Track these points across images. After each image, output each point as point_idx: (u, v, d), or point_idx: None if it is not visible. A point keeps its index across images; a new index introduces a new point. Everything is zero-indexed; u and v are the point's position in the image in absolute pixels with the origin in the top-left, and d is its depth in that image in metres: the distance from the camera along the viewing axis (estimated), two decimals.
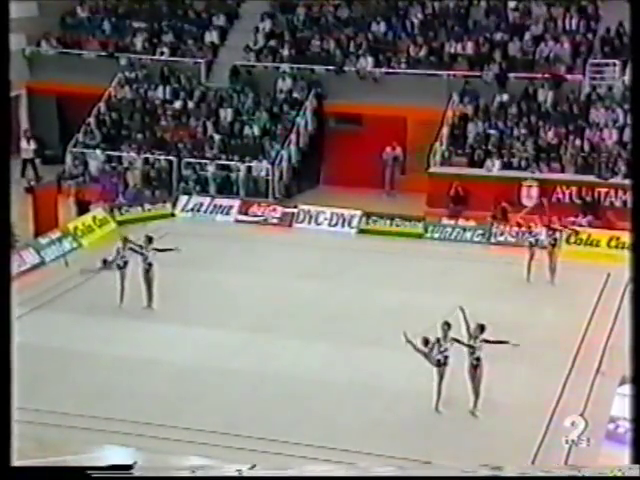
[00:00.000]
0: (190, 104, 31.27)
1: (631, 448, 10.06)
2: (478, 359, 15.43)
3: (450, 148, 28.56)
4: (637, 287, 10.07)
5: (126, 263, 20.44)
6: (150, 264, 20.32)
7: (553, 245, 22.25)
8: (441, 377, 15.70)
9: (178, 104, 31.28)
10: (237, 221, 27.29)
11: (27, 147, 30.96)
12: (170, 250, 20.44)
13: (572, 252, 23.51)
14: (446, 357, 15.63)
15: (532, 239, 22.39)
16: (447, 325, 15.81)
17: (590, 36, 29.92)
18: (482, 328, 15.58)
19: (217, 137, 30.13)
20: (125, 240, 20.80)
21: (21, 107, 33.00)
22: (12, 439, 8.81)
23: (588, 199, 26.45)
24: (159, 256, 20.32)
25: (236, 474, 10.43)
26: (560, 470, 12.62)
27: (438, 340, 15.72)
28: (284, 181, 29.61)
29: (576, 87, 28.93)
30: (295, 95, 30.81)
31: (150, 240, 20.71)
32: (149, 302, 20.38)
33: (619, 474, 9.67)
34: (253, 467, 11.06)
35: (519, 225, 24.21)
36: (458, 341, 15.56)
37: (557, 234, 22.41)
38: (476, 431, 15.05)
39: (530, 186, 26.95)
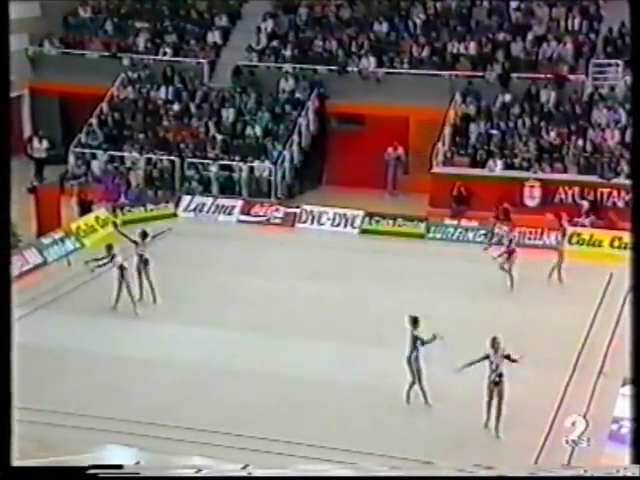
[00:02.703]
0: (192, 104, 31.27)
1: (631, 448, 10.06)
2: (501, 375, 14.95)
3: (452, 148, 28.54)
4: (637, 288, 10.07)
5: (122, 267, 20.23)
6: (146, 261, 20.41)
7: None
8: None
9: (180, 104, 31.29)
10: (239, 221, 27.29)
11: (39, 146, 30.99)
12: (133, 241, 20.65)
13: (575, 252, 23.47)
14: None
15: (506, 239, 22.24)
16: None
17: (593, 36, 29.89)
18: (494, 341, 15.05)
19: (219, 137, 30.13)
20: (109, 247, 20.60)
21: (24, 107, 33.02)
22: (13, 439, 8.81)
23: (590, 199, 26.42)
24: (161, 256, 20.30)
25: (238, 474, 10.46)
26: (562, 470, 12.62)
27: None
28: (286, 181, 29.62)
29: (579, 87, 28.90)
30: (297, 95, 30.81)
31: (145, 235, 20.74)
32: (140, 297, 20.43)
33: (619, 474, 9.67)
34: (245, 467, 11.08)
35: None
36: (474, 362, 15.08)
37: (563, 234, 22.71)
38: (477, 431, 15.02)
39: (532, 186, 26.95)
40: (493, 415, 15.18)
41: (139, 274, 20.52)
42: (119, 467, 9.36)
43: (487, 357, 14.98)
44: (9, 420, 8.72)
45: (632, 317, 10.04)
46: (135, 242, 20.67)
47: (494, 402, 15.10)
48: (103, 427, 15.17)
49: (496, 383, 15.02)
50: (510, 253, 21.76)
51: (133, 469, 9.63)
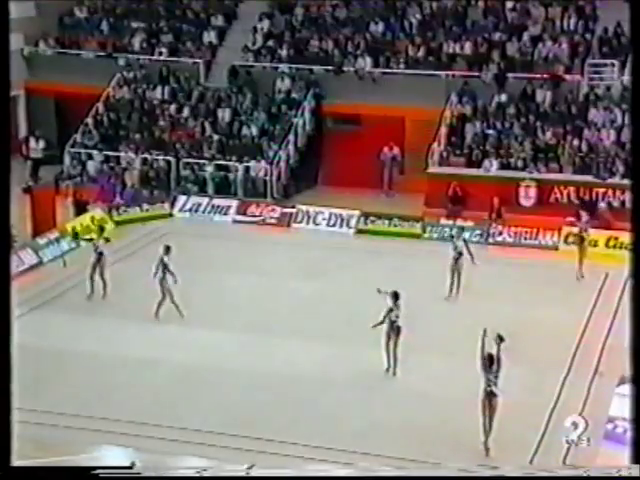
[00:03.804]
0: (188, 104, 31.25)
1: (631, 448, 10.07)
2: (494, 391, 14.55)
3: (448, 148, 28.55)
4: (637, 287, 10.08)
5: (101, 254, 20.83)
6: (101, 253, 20.76)
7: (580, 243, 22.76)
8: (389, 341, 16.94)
9: (176, 104, 31.27)
10: (235, 221, 27.28)
11: (35, 147, 30.96)
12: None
13: (570, 252, 23.50)
14: (398, 327, 16.81)
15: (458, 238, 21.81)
16: (396, 296, 16.83)
17: (588, 36, 29.92)
18: (491, 359, 14.60)
19: (215, 137, 30.12)
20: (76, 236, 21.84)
21: (19, 107, 32.97)
22: (12, 439, 8.81)
23: (586, 199, 26.46)
24: (156, 256, 20.26)
25: (236, 474, 10.46)
26: (559, 470, 12.65)
27: (391, 309, 16.76)
28: (282, 181, 29.60)
29: (574, 87, 28.94)
30: (293, 95, 30.81)
31: (102, 230, 21.30)
32: (91, 291, 20.87)
33: (619, 474, 9.69)
34: (251, 467, 11.08)
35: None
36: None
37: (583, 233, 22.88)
38: (475, 431, 15.02)
39: (528, 186, 26.98)
40: (484, 429, 14.80)
41: (94, 268, 20.79)
42: (125, 467, 9.34)
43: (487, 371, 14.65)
44: (9, 420, 8.72)
45: (632, 317, 10.05)
46: (92, 240, 21.25)
47: (486, 417, 14.71)
48: (100, 427, 15.17)
49: (488, 397, 14.65)
50: (457, 256, 21.32)
51: (134, 469, 9.62)
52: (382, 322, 16.97)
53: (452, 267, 21.28)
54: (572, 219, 23.70)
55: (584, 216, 23.41)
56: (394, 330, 16.92)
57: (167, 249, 19.92)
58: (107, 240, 21.28)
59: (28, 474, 8.94)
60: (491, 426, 14.62)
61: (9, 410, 8.76)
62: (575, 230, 23.45)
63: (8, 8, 8.85)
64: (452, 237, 22.11)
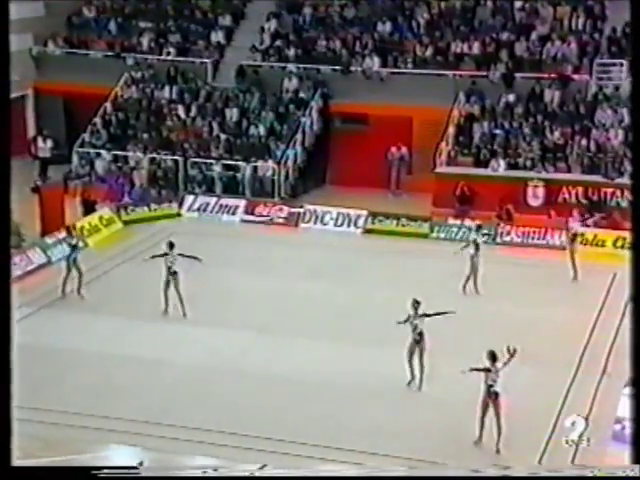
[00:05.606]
0: (196, 104, 31.29)
1: (631, 448, 10.05)
2: (497, 391, 14.58)
3: (456, 148, 28.54)
4: (638, 288, 10.05)
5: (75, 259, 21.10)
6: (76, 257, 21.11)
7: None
8: (414, 354, 16.55)
9: (184, 104, 31.30)
10: (243, 221, 27.30)
11: (43, 146, 31.03)
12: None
13: (578, 252, 23.43)
14: (420, 334, 16.47)
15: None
16: (416, 302, 16.52)
17: (597, 36, 29.89)
18: (494, 357, 14.63)
19: (223, 137, 30.15)
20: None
21: (28, 107, 33.06)
22: (14, 439, 8.82)
23: (594, 199, 26.41)
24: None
25: (245, 474, 10.47)
26: (566, 470, 12.63)
27: (408, 318, 16.54)
28: (290, 181, 29.63)
29: (583, 87, 28.91)
30: (301, 95, 30.82)
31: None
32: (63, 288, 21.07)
33: (620, 474, 9.68)
34: (263, 467, 11.09)
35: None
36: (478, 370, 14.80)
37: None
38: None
39: (536, 186, 26.94)
40: (492, 431, 14.75)
41: (69, 267, 21.12)
42: (131, 467, 9.36)
43: (488, 370, 14.65)
44: (9, 420, 8.72)
45: (632, 317, 10.03)
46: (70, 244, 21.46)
47: (490, 417, 14.66)
48: (104, 426, 15.19)
49: (491, 396, 14.65)
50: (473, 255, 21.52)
51: (140, 469, 9.63)
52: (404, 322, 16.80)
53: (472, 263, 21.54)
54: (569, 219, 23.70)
55: (576, 216, 23.45)
56: (417, 338, 16.61)
57: (170, 245, 20.06)
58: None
59: (28, 474, 8.95)
60: (500, 426, 14.59)
61: (9, 410, 8.78)
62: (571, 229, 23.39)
63: (8, 8, 8.85)
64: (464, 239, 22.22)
